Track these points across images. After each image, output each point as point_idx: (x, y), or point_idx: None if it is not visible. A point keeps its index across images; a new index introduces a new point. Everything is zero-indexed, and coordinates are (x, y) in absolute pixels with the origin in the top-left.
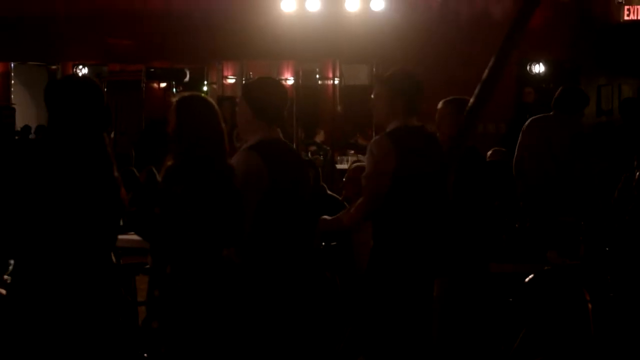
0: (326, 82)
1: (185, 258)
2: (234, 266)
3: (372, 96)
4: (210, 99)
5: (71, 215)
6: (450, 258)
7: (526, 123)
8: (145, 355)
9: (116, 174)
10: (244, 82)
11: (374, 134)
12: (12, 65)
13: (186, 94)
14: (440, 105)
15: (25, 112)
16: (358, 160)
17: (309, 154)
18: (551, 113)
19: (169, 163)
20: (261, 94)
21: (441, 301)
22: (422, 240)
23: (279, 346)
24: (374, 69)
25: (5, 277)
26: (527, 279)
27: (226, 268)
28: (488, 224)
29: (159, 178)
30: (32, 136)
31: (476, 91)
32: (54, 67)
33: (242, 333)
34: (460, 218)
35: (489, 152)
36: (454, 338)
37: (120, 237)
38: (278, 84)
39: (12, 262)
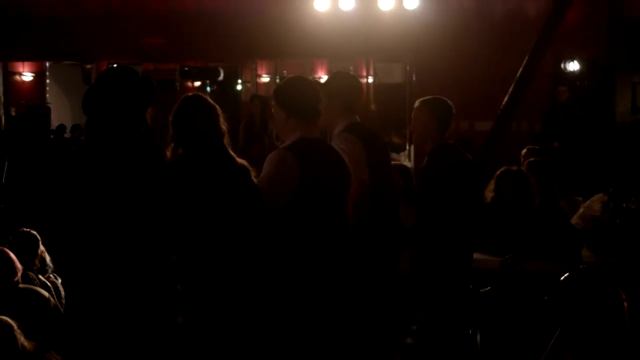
0: (360, 80)
1: (202, 253)
2: (257, 260)
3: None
4: (209, 99)
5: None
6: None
7: None
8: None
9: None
10: (277, 80)
11: (407, 133)
12: (47, 64)
13: (190, 94)
14: (416, 104)
15: (60, 111)
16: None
17: None
18: None
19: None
20: (293, 93)
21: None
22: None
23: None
24: (408, 68)
25: (42, 277)
26: (562, 278)
27: (248, 261)
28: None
29: None
30: (67, 135)
31: (510, 90)
32: (88, 66)
33: (265, 327)
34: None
35: (523, 151)
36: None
37: None
38: (308, 81)
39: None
